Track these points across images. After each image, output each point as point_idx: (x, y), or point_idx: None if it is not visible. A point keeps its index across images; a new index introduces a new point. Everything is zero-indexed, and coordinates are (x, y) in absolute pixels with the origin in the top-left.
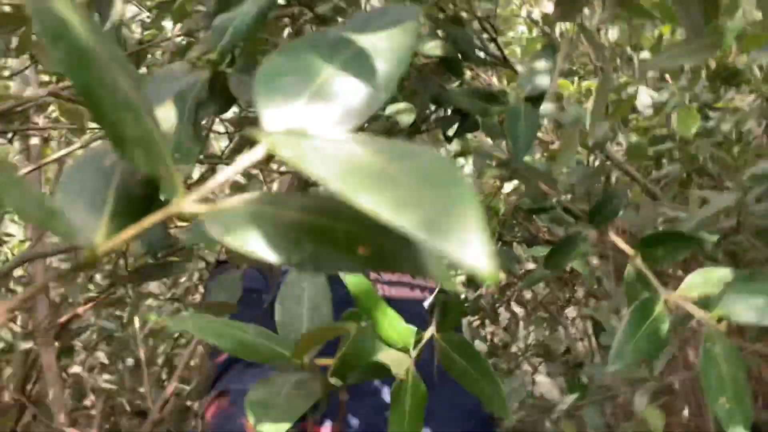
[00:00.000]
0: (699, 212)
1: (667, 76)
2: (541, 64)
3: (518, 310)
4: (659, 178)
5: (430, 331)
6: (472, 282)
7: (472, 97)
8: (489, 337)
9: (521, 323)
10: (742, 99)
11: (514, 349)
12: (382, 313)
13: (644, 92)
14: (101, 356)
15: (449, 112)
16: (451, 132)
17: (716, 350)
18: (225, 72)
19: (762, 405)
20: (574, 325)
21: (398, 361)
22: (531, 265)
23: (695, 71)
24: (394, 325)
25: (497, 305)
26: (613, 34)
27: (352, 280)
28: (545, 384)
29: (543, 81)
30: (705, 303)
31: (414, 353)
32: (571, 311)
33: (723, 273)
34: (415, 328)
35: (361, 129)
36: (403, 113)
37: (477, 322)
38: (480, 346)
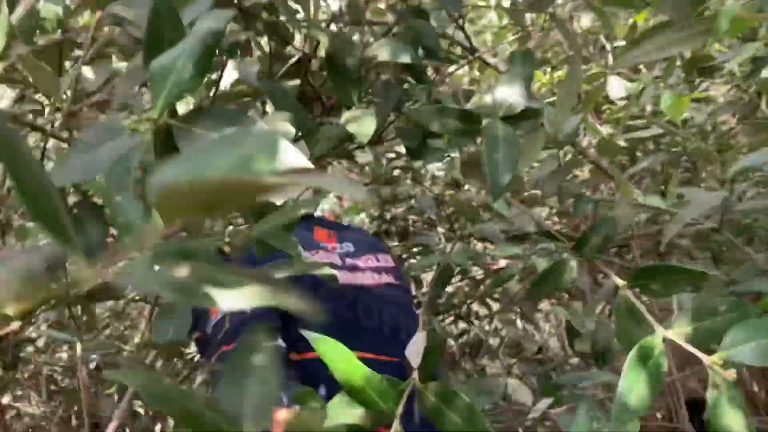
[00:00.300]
0: (682, 212)
1: (641, 65)
2: (516, 78)
3: (491, 304)
4: (635, 174)
5: (412, 380)
6: (442, 281)
7: (442, 116)
8: (460, 334)
9: (494, 319)
10: (717, 89)
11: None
12: (360, 377)
13: (616, 81)
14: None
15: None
16: (413, 145)
17: (723, 401)
18: (169, 124)
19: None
20: (548, 320)
21: (382, 420)
22: (503, 262)
23: (670, 61)
24: (375, 385)
25: (469, 302)
26: (585, 21)
27: (324, 347)
28: (517, 386)
29: (520, 99)
30: (702, 337)
31: (400, 410)
32: (544, 306)
33: (720, 304)
34: (397, 382)
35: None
36: (362, 123)
37: (449, 320)
38: (451, 344)
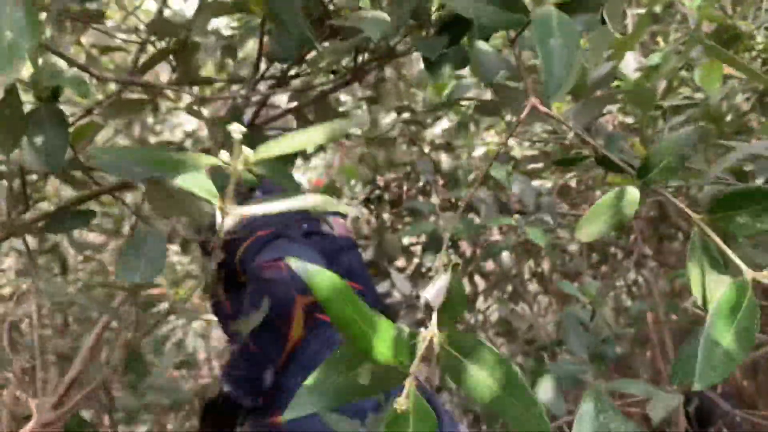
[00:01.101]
0: (719, 161)
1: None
2: None
3: (480, 282)
4: (660, 132)
5: (430, 331)
6: (433, 249)
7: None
8: None
9: (481, 297)
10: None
11: (473, 322)
12: (367, 322)
13: (630, 56)
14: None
15: (432, 32)
16: (433, 56)
17: None
18: None
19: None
20: (536, 301)
21: (389, 381)
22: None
23: (693, 31)
24: (385, 335)
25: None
26: None
27: (318, 279)
28: None
29: None
30: None
31: (414, 367)
32: (535, 286)
33: None
34: (411, 331)
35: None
36: (372, 20)
37: None
38: None
